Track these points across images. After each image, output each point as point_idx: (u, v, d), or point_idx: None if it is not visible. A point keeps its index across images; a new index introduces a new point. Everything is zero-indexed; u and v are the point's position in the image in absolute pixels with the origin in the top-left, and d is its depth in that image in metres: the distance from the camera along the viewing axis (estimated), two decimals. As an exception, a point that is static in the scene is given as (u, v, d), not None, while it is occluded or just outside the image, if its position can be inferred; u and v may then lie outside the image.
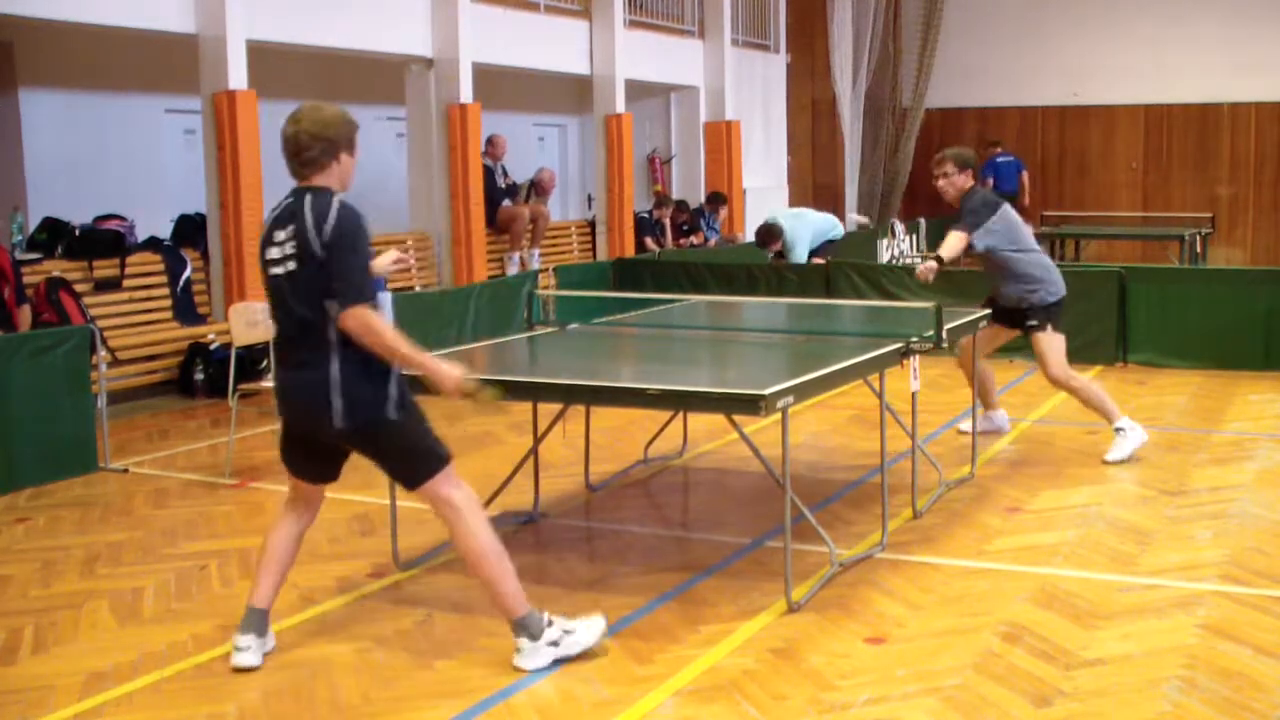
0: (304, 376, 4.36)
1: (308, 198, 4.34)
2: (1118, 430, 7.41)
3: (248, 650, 4.53)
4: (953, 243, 7.47)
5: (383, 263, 5.02)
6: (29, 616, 5.17)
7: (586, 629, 4.57)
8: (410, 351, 4.33)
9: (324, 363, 4.29)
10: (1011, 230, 7.50)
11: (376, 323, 4.25)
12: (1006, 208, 7.60)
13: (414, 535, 6.05)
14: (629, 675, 4.44)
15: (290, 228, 4.33)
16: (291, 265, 4.32)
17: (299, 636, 4.88)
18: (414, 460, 4.45)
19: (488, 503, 6.28)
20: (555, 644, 4.48)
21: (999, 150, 19.46)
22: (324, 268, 4.25)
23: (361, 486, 7.14)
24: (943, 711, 4.12)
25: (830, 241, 13.25)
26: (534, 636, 4.46)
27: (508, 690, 4.33)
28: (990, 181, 18.12)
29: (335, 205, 4.30)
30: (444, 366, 4.47)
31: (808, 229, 13.10)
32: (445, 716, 4.16)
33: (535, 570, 5.74)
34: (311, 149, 4.36)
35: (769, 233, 13.03)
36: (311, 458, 4.59)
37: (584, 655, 4.53)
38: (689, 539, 6.21)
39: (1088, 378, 7.60)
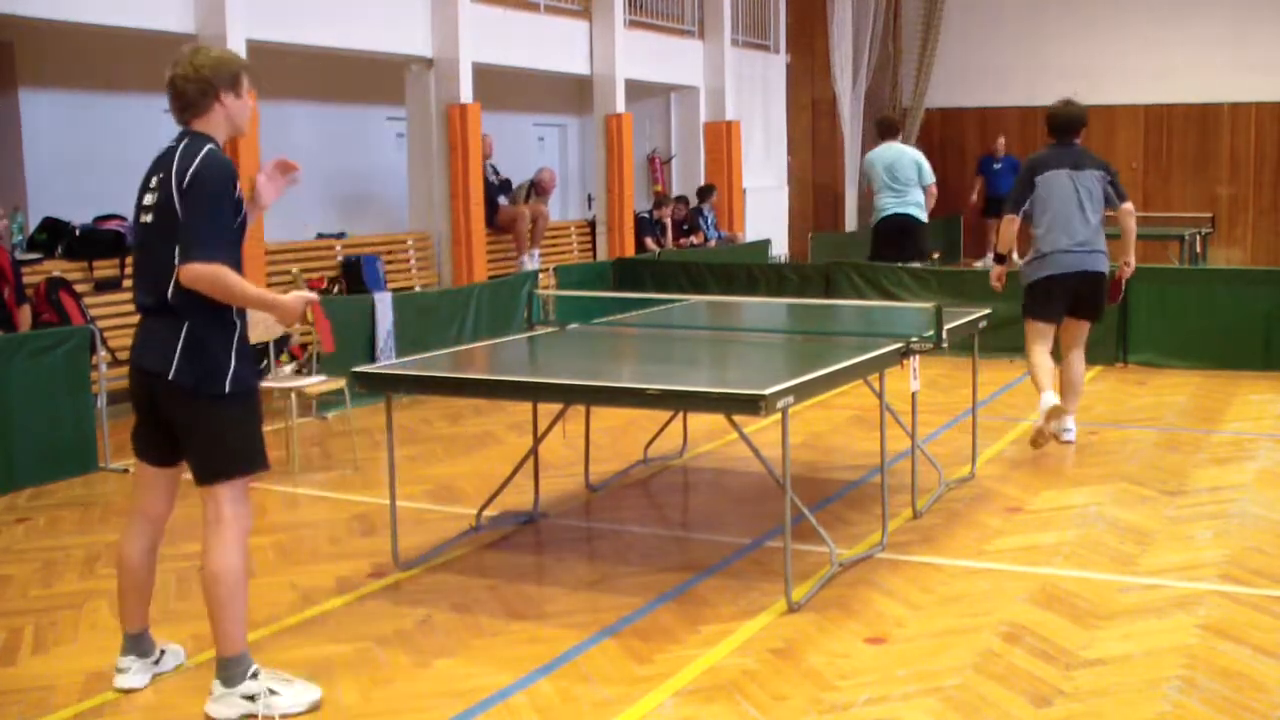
0: (155, 327, 4.16)
1: (184, 143, 4.18)
2: (1052, 406, 7.22)
3: (128, 671, 4.41)
4: (1004, 233, 7.60)
5: (291, 300, 4.38)
6: (29, 616, 5.17)
7: (295, 693, 4.20)
8: (257, 293, 4.25)
9: (177, 317, 4.10)
10: (1035, 198, 7.50)
11: (218, 274, 4.02)
12: (1038, 170, 7.52)
13: (414, 535, 6.05)
14: (629, 675, 4.44)
15: (160, 175, 4.15)
16: (151, 216, 4.14)
17: (299, 637, 4.88)
18: (222, 451, 4.17)
19: (487, 503, 6.29)
20: (251, 699, 4.14)
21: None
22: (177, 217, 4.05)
23: (362, 487, 7.16)
24: (943, 711, 4.12)
25: (911, 219, 11.74)
26: (228, 682, 4.16)
27: (508, 690, 4.33)
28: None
29: (203, 153, 4.10)
30: (285, 297, 4.29)
31: (890, 167, 11.67)
32: (445, 716, 4.16)
33: (535, 570, 5.74)
34: (186, 93, 4.20)
35: (887, 123, 12.30)
36: (155, 431, 4.31)
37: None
38: (689, 539, 6.21)
39: (1042, 361, 7.45)
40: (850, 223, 20.35)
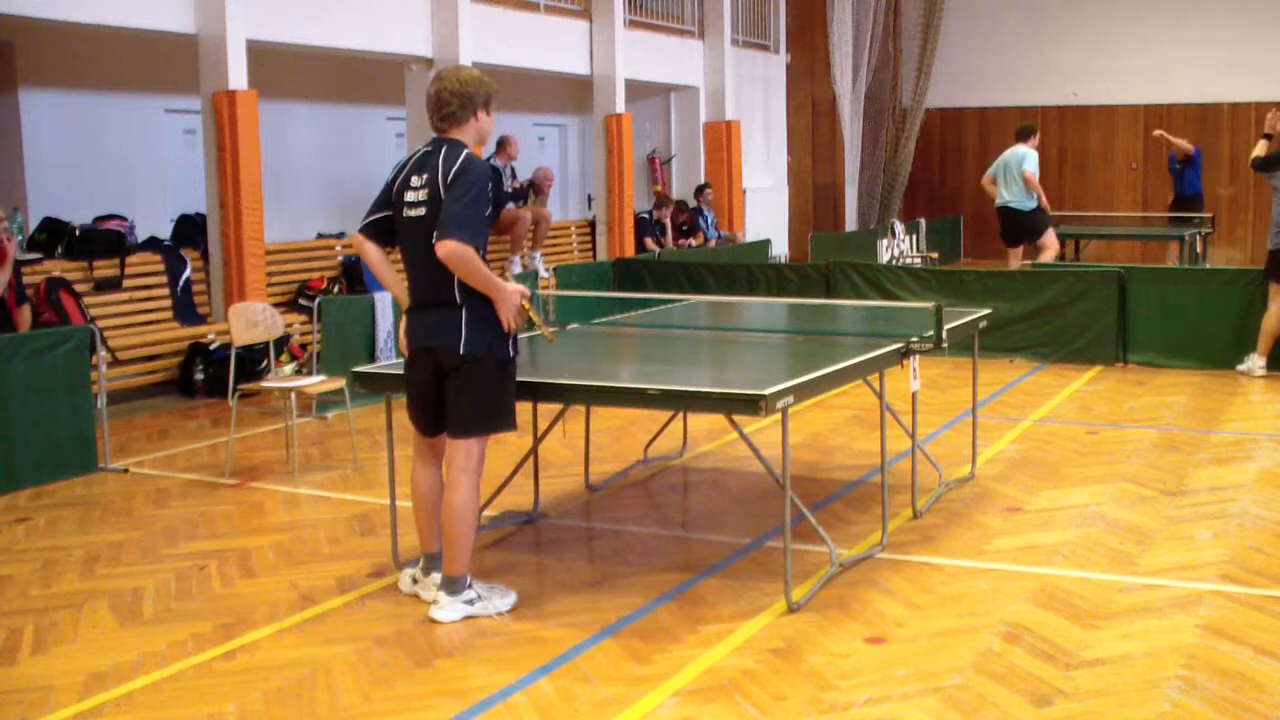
0: (437, 312, 4.79)
1: (443, 147, 4.81)
2: None
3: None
4: None
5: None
6: (29, 616, 5.17)
7: (500, 597, 5.09)
8: (492, 278, 4.78)
9: (456, 301, 4.75)
10: None
11: (469, 254, 4.64)
12: None
13: (414, 535, 6.03)
14: (629, 675, 4.44)
15: (425, 175, 4.78)
16: (423, 210, 4.77)
17: (299, 636, 4.88)
18: (487, 409, 4.87)
19: (488, 503, 6.29)
20: (469, 603, 4.99)
21: None
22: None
23: (362, 487, 7.16)
24: (943, 711, 4.12)
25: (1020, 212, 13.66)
26: (452, 593, 4.97)
27: (508, 690, 4.33)
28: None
29: (464, 154, 4.77)
30: (508, 285, 4.84)
31: (1007, 170, 13.56)
32: (445, 716, 4.16)
33: (535, 570, 5.74)
34: (450, 104, 4.83)
35: (1028, 129, 13.81)
36: (432, 405, 4.98)
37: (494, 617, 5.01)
38: (689, 539, 6.21)
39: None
40: (850, 222, 20.36)
